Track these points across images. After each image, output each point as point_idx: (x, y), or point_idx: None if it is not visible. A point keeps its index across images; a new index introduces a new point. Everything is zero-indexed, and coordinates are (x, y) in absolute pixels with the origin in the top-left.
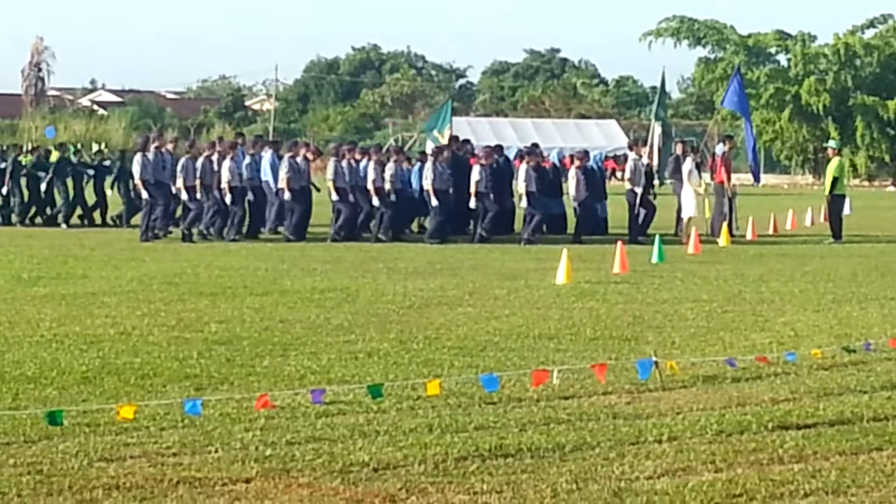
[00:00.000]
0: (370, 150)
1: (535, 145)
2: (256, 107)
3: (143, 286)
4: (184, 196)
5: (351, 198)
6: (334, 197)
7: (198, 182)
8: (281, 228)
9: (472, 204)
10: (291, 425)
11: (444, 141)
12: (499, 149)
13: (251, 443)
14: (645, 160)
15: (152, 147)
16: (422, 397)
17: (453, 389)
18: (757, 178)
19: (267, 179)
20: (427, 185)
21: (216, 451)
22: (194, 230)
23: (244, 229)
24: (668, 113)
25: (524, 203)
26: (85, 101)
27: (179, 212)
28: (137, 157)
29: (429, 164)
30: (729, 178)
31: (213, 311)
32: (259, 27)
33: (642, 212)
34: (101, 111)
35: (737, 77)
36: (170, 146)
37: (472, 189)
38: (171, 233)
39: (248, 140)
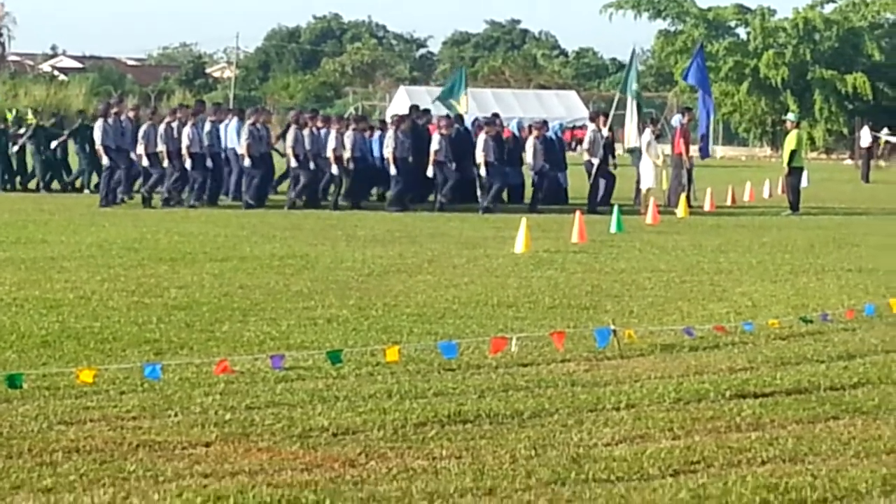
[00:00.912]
0: (331, 119)
1: (496, 115)
2: (217, 74)
3: (102, 251)
4: (145, 162)
5: (311, 165)
6: (293, 164)
7: (161, 148)
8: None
9: (430, 172)
10: (251, 390)
11: (461, 109)
12: (458, 118)
13: (211, 407)
14: (605, 132)
15: (113, 113)
16: (381, 363)
17: (412, 356)
18: (705, 153)
19: (233, 146)
20: (387, 153)
21: (176, 416)
22: (155, 196)
23: (205, 195)
24: (641, 88)
25: (483, 172)
26: (45, 67)
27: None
28: (98, 123)
29: (389, 133)
30: (687, 150)
31: (173, 277)
32: None
33: (602, 182)
34: (62, 77)
35: (700, 53)
36: (130, 113)
37: (432, 158)
38: (131, 198)
39: (209, 107)
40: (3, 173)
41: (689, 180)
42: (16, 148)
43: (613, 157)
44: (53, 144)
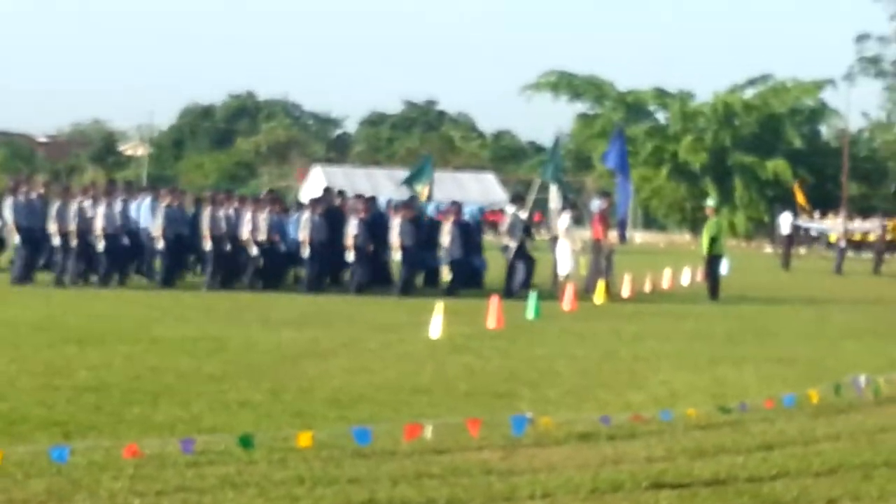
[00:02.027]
0: (246, 199)
1: (412, 198)
2: (130, 152)
3: (10, 331)
4: (56, 241)
5: (227, 246)
6: (208, 245)
7: (72, 227)
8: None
9: (350, 257)
10: (161, 475)
11: (423, 196)
12: (372, 200)
13: (119, 492)
14: (523, 214)
15: (23, 190)
16: (293, 449)
17: (325, 442)
18: (623, 238)
19: (146, 225)
20: (303, 235)
21: (83, 501)
22: (66, 276)
23: (117, 275)
24: (564, 174)
25: (398, 256)
26: None
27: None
28: (8, 201)
29: (306, 215)
30: (606, 235)
31: (82, 358)
32: (134, 71)
33: (521, 266)
34: None
35: (619, 136)
36: (41, 190)
37: (349, 241)
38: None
39: (120, 185)
40: None
41: (609, 266)
42: None
43: (532, 239)
44: None
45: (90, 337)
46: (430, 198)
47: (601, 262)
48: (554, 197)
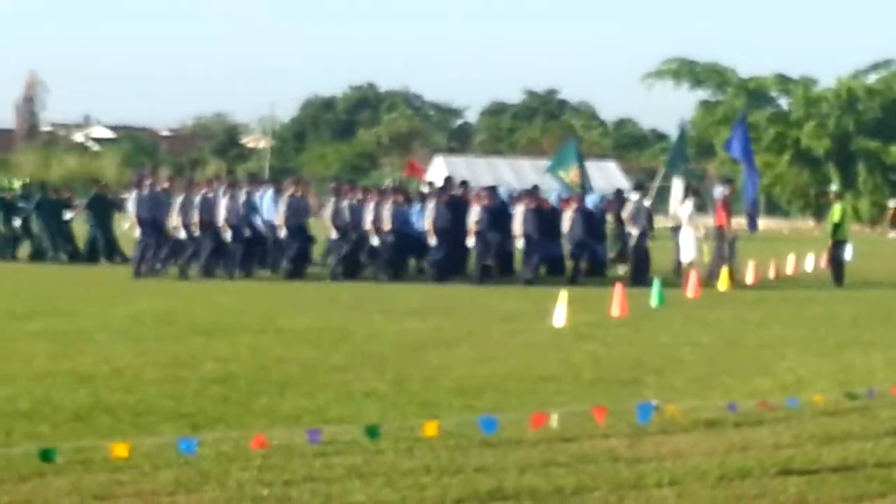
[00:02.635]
0: (370, 190)
1: (536, 187)
2: (251, 144)
3: (136, 323)
4: (182, 234)
5: (351, 236)
6: (334, 235)
7: (197, 219)
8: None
9: (471, 243)
10: (288, 465)
11: (569, 180)
12: (493, 189)
13: (247, 482)
14: (647, 202)
15: (147, 184)
16: (419, 439)
17: (451, 431)
18: (753, 226)
19: (269, 217)
20: (428, 224)
21: (211, 491)
22: (191, 268)
23: (239, 267)
24: (688, 163)
25: (522, 244)
26: (79, 137)
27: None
28: (132, 195)
29: (431, 205)
30: (729, 222)
31: (208, 350)
32: (255, 64)
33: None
34: (95, 147)
35: (742, 124)
36: (165, 184)
37: (472, 228)
38: (165, 270)
39: (243, 178)
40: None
41: (732, 253)
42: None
43: (652, 228)
44: (68, 216)
45: (215, 329)
46: (584, 185)
47: (724, 248)
48: (677, 187)
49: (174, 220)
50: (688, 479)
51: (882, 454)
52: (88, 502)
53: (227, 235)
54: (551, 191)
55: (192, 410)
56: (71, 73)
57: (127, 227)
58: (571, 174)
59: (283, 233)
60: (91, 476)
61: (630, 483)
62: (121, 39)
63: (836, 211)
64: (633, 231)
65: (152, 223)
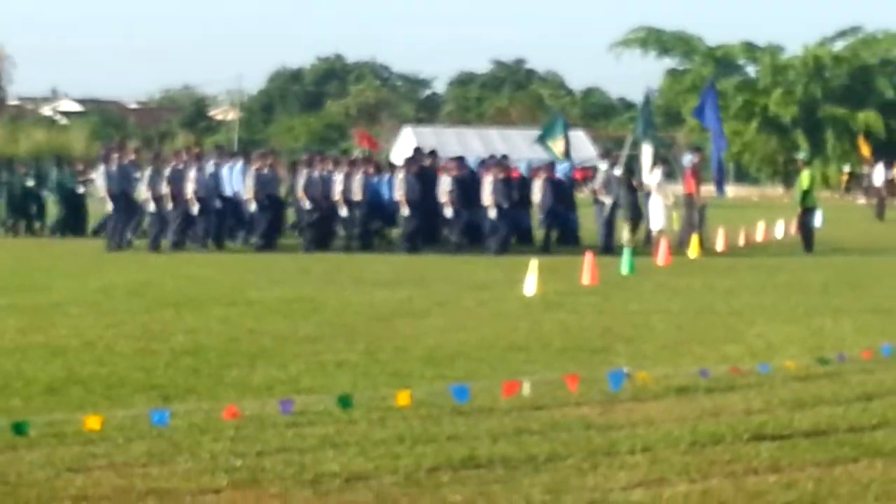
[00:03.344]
0: (339, 160)
1: (505, 157)
2: (220, 117)
3: (107, 297)
4: (151, 206)
5: (323, 206)
6: (306, 206)
7: (166, 191)
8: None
9: (449, 213)
10: (260, 436)
11: (558, 151)
12: (461, 160)
13: (220, 453)
14: (617, 171)
15: (115, 157)
16: (392, 408)
17: (423, 400)
18: (720, 191)
19: (239, 189)
20: (399, 194)
21: (184, 462)
22: (161, 240)
23: (210, 238)
24: (655, 130)
25: (492, 214)
26: (46, 111)
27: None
28: (101, 169)
29: (401, 175)
30: (698, 190)
31: (179, 322)
32: (223, 35)
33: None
34: (63, 121)
35: (710, 91)
36: (132, 156)
37: (445, 198)
38: (133, 243)
39: (211, 150)
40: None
41: (702, 220)
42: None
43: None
44: (81, 189)
45: (187, 301)
46: (567, 154)
47: (694, 216)
48: (646, 153)
49: (143, 193)
50: (660, 445)
51: (853, 419)
52: (62, 475)
53: (195, 208)
54: (521, 160)
55: (163, 382)
56: (38, 46)
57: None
58: (558, 144)
59: (252, 206)
60: (64, 448)
61: (602, 450)
62: (88, 12)
63: (804, 178)
64: (606, 200)
65: (122, 196)
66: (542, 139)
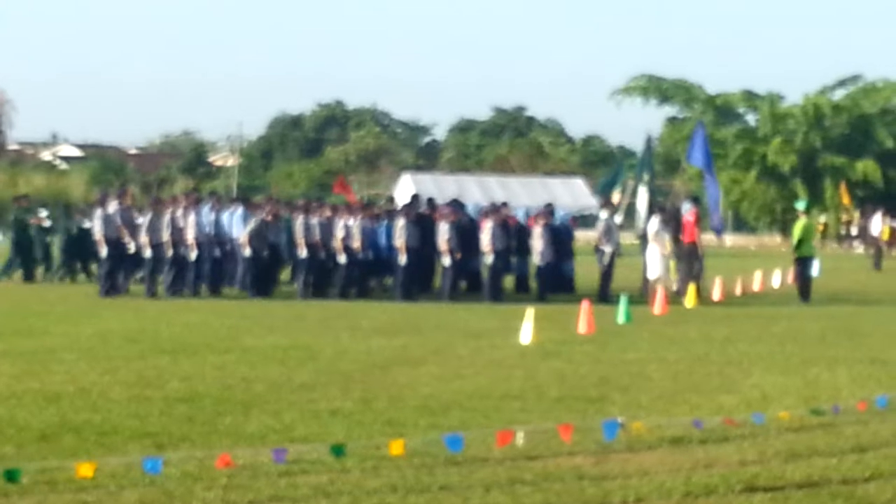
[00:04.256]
0: (338, 207)
1: (504, 203)
2: (220, 163)
3: (102, 342)
4: (148, 252)
5: (322, 254)
6: (303, 253)
7: (166, 238)
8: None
9: (447, 262)
10: (253, 485)
11: (615, 199)
12: (460, 206)
13: (212, 502)
14: (617, 219)
15: (114, 203)
16: (385, 457)
17: (417, 449)
18: (719, 233)
19: (238, 236)
20: (399, 242)
21: None
22: (158, 286)
23: (205, 285)
24: (653, 176)
25: (489, 260)
26: (46, 155)
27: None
28: (98, 213)
29: (401, 222)
30: (699, 238)
31: (174, 369)
32: (223, 81)
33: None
34: (63, 165)
35: (700, 132)
36: (128, 200)
37: (443, 246)
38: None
39: (208, 196)
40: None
41: (700, 269)
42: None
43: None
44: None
45: (182, 347)
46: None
47: (693, 265)
48: (643, 198)
49: (142, 239)
50: (653, 496)
51: (846, 470)
52: None
53: (193, 254)
54: (519, 207)
55: (157, 430)
56: (38, 91)
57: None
58: (616, 195)
59: (246, 252)
60: (56, 496)
61: (596, 501)
62: (88, 58)
63: (797, 227)
64: (606, 249)
65: (116, 242)
66: (605, 189)
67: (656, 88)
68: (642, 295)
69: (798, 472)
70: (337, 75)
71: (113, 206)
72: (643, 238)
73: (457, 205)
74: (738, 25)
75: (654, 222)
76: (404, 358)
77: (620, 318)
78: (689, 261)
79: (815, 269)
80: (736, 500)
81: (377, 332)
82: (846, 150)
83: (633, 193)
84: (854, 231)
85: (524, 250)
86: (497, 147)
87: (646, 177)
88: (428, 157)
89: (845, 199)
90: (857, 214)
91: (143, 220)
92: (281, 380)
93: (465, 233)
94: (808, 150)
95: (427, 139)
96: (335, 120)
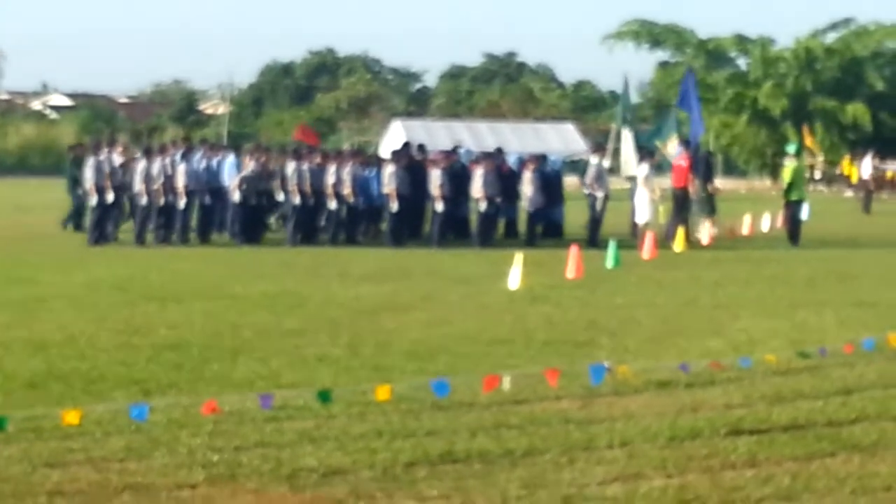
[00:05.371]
0: (329, 154)
1: (499, 149)
2: (210, 111)
3: (91, 291)
4: (143, 200)
5: (311, 200)
6: (296, 200)
7: (158, 186)
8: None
9: (440, 207)
10: (239, 431)
11: (666, 149)
12: (452, 151)
13: (198, 448)
14: (606, 163)
15: (104, 151)
16: (371, 403)
17: (404, 395)
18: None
19: (229, 183)
20: (389, 189)
21: (162, 457)
22: (147, 232)
23: (195, 233)
24: (635, 117)
25: (482, 207)
26: (36, 105)
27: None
28: (90, 161)
29: (391, 169)
30: (690, 183)
31: (162, 316)
32: (213, 30)
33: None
34: (53, 115)
35: (690, 78)
36: (120, 150)
37: (436, 192)
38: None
39: (199, 144)
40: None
41: (712, 210)
42: None
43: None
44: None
45: (170, 295)
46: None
47: (683, 209)
48: (627, 142)
49: (137, 186)
50: (638, 439)
51: (832, 413)
52: (39, 470)
53: (181, 202)
54: (510, 153)
55: (144, 377)
56: (28, 41)
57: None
58: (668, 143)
59: (236, 197)
60: (42, 443)
61: (581, 444)
62: (78, 6)
63: (786, 171)
64: (598, 194)
65: (107, 190)
66: (651, 138)
67: (648, 33)
68: (632, 238)
69: (784, 414)
70: (328, 23)
71: (116, 156)
72: (632, 178)
73: (456, 151)
74: None
75: (644, 167)
76: (392, 304)
77: (609, 263)
78: (680, 205)
79: (804, 212)
80: (721, 444)
81: (366, 278)
82: (837, 93)
83: (617, 138)
84: (818, 175)
85: (513, 195)
86: (488, 93)
87: (629, 118)
88: (419, 104)
89: (808, 142)
90: (820, 158)
91: (136, 169)
92: (269, 326)
93: (457, 179)
94: (799, 93)
95: (418, 86)
96: (326, 67)
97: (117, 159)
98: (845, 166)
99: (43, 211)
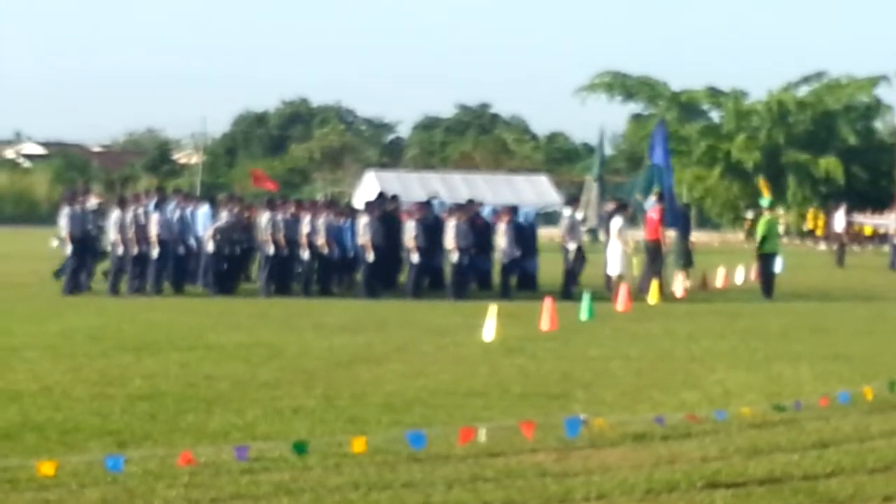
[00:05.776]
0: (304, 204)
1: (471, 201)
2: (184, 160)
3: (66, 340)
4: (119, 250)
5: (284, 251)
6: (269, 250)
7: (131, 235)
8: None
9: (415, 259)
10: (215, 482)
11: (648, 200)
12: (427, 204)
13: (174, 500)
14: (580, 215)
15: (79, 200)
16: (347, 455)
17: (379, 447)
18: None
19: (203, 234)
20: (364, 239)
21: None
22: (122, 283)
23: (169, 283)
24: (604, 170)
25: (454, 258)
26: (9, 153)
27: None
28: (64, 211)
29: (366, 219)
30: (663, 235)
31: (137, 366)
32: (187, 78)
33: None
34: (26, 163)
35: (660, 130)
36: (94, 200)
37: (410, 244)
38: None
39: (172, 194)
40: None
41: (685, 263)
42: None
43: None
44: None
45: (145, 345)
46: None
47: (656, 262)
48: (591, 189)
49: (112, 236)
50: (615, 492)
51: (808, 466)
52: None
53: (154, 252)
54: (485, 205)
55: (119, 427)
56: (2, 89)
57: (55, 244)
58: (652, 196)
59: (210, 247)
60: (17, 495)
61: (557, 497)
62: (52, 55)
63: (760, 225)
64: (570, 246)
65: (82, 240)
66: (630, 192)
67: (621, 85)
68: (606, 291)
69: (760, 468)
70: (301, 72)
71: (91, 203)
72: (592, 232)
73: (430, 203)
74: (701, 23)
75: (618, 219)
76: (368, 355)
77: (583, 315)
78: (653, 258)
79: (778, 265)
80: (698, 497)
81: (341, 329)
82: (810, 146)
83: (588, 189)
84: (780, 230)
85: (487, 247)
86: (461, 144)
87: (600, 171)
88: (392, 155)
89: (766, 194)
90: (780, 212)
91: (110, 219)
92: (244, 377)
93: (431, 230)
94: (772, 146)
95: (391, 137)
96: (299, 117)
97: (92, 206)
98: (810, 220)
99: (16, 260)
